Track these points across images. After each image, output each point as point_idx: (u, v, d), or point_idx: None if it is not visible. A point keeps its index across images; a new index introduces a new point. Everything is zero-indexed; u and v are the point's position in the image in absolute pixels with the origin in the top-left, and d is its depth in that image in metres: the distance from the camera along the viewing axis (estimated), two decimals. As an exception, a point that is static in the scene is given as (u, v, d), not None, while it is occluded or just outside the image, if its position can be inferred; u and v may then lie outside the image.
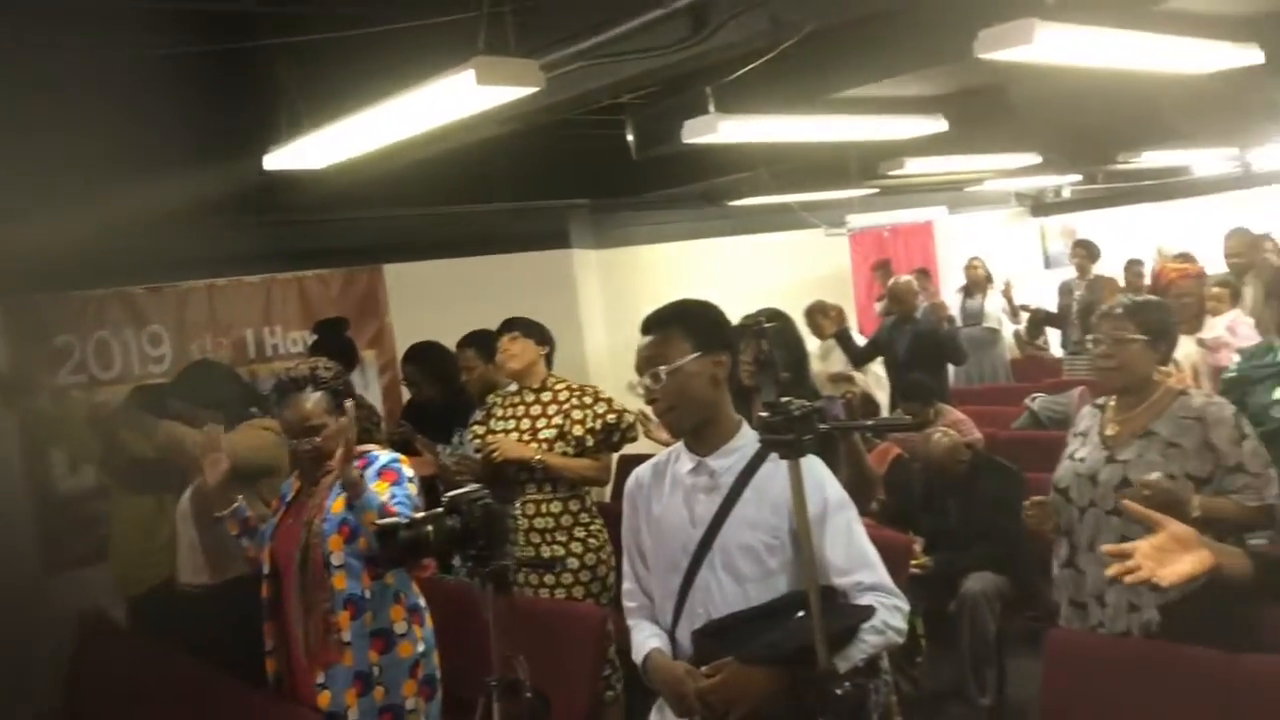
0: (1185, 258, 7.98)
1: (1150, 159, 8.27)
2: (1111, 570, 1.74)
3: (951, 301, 9.22)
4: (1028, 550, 4.20)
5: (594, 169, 6.53)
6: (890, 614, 2.25)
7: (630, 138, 5.29)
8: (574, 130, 5.55)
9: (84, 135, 3.87)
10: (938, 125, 4.81)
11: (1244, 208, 9.10)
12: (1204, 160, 9.54)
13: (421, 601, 3.19)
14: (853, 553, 2.28)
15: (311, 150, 3.75)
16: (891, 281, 7.94)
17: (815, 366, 7.25)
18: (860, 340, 7.62)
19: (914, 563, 4.62)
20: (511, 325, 4.16)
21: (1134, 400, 3.01)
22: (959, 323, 8.86)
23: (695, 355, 2.30)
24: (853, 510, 2.36)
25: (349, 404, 2.98)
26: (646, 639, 2.38)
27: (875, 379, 7.31)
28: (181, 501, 3.92)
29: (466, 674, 2.74)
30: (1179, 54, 3.52)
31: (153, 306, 5.63)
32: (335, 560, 2.96)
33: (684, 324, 2.35)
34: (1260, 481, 2.85)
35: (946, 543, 4.80)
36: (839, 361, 7.32)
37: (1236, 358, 4.08)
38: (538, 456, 3.91)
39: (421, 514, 2.34)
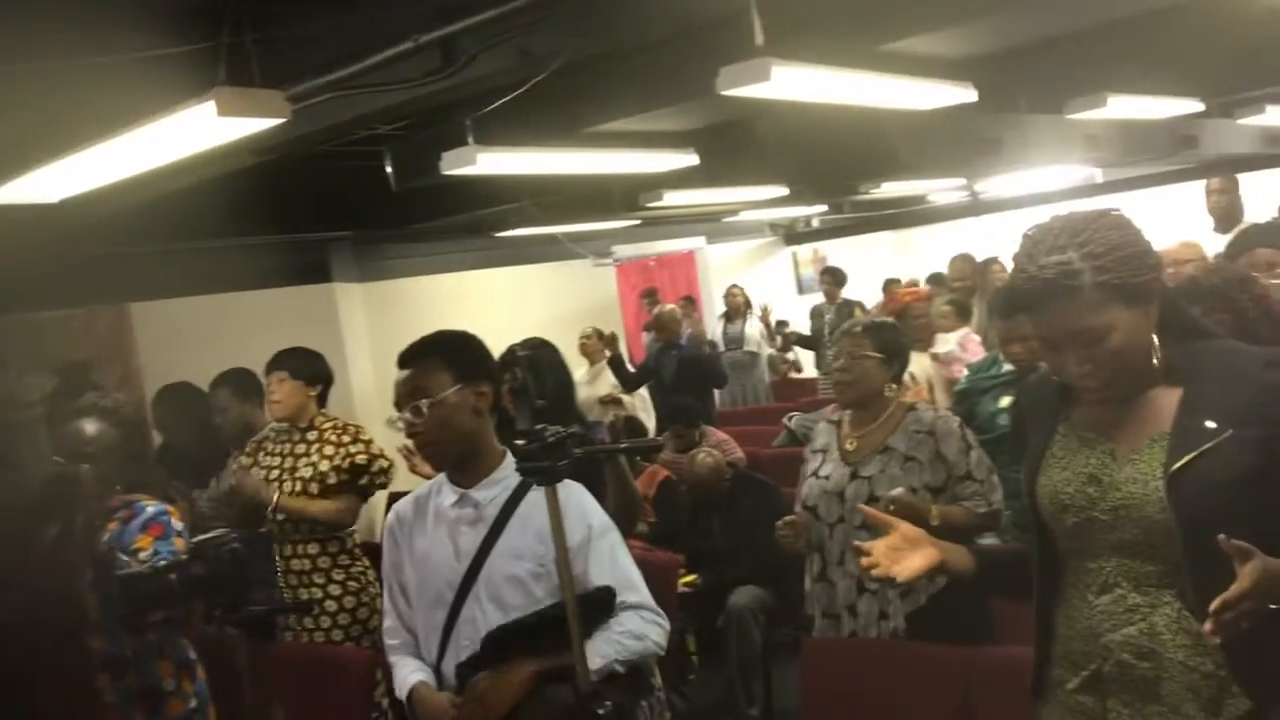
0: (939, 279, 8.62)
1: (889, 189, 8.84)
2: (865, 561, 1.87)
3: (714, 327, 9.56)
4: (788, 562, 4.39)
5: (355, 200, 6.40)
6: (649, 626, 2.31)
7: (389, 169, 5.23)
8: (334, 161, 5.43)
9: None
10: (689, 159, 4.99)
11: (975, 233, 9.85)
12: (938, 190, 10.29)
13: (193, 654, 3.03)
14: (616, 575, 2.33)
15: (44, 183, 3.53)
16: (656, 310, 8.16)
17: (584, 392, 7.40)
18: (630, 366, 7.80)
19: (682, 581, 4.74)
20: (279, 363, 3.95)
21: (868, 416, 3.19)
22: (721, 347, 9.19)
23: (456, 387, 2.29)
24: (616, 534, 2.41)
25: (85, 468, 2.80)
26: (410, 674, 2.35)
27: (642, 402, 7.49)
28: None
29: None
30: (902, 92, 3.80)
31: None
32: (91, 617, 2.78)
33: (443, 355, 2.34)
34: (986, 488, 3.07)
35: (713, 560, 4.95)
36: (607, 385, 7.46)
37: (966, 371, 4.42)
38: (273, 504, 3.74)
39: (164, 562, 2.24)
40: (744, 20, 3.07)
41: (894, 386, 3.19)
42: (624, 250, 9.59)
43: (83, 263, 5.73)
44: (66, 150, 3.21)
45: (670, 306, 8.23)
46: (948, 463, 3.07)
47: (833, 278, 9.22)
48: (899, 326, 3.46)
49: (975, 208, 10.50)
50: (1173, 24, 4.52)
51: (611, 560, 2.34)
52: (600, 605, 2.26)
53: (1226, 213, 5.30)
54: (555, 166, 4.79)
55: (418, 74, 3.07)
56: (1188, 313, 1.83)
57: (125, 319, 6.17)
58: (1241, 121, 7.73)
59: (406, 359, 2.36)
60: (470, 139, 4.20)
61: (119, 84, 2.96)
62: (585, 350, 7.53)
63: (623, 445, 2.96)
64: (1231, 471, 1.64)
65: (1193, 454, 1.65)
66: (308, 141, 3.84)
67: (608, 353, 7.49)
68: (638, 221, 8.37)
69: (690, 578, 4.93)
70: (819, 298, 9.70)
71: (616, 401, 6.96)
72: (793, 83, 3.20)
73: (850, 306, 8.65)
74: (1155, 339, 1.72)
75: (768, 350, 9.59)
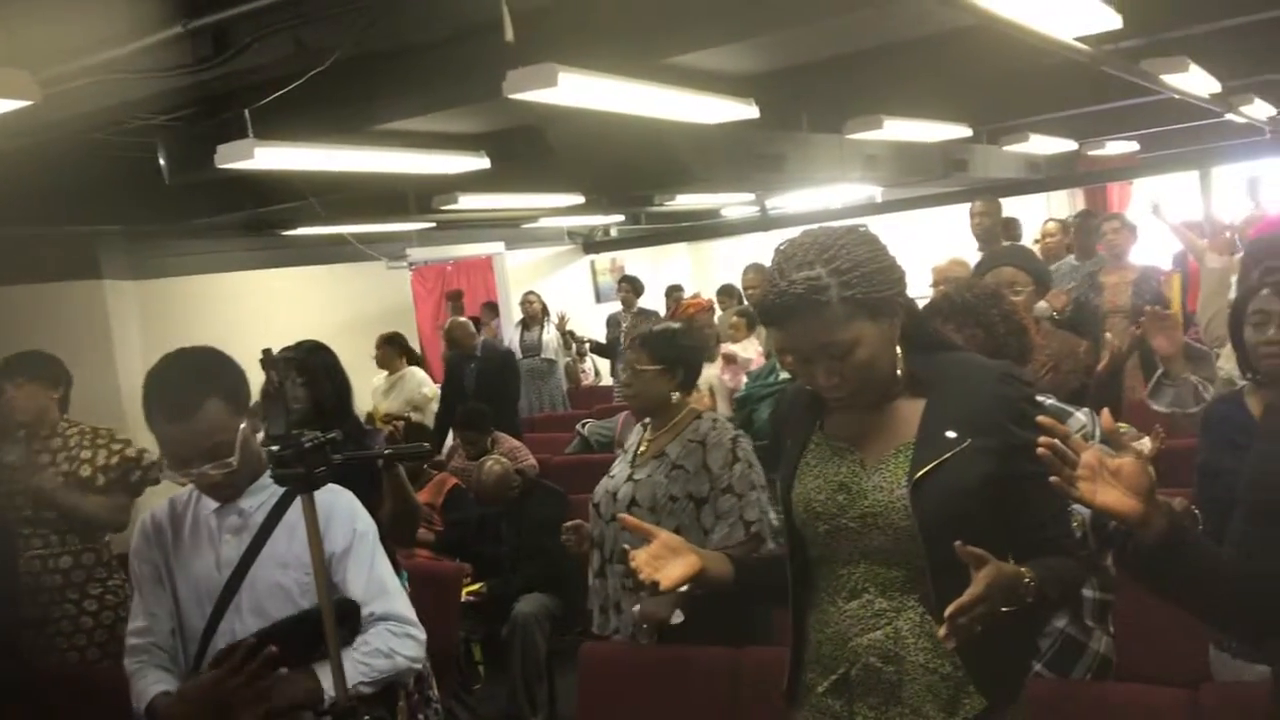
0: (729, 290, 8.80)
1: (683, 201, 9.02)
2: (632, 566, 1.88)
3: (510, 334, 9.52)
4: (574, 569, 4.40)
5: (129, 192, 6.01)
6: (400, 641, 2.24)
7: (162, 161, 4.95)
8: (106, 149, 5.10)
9: None
10: (480, 162, 4.94)
11: (765, 247, 10.15)
12: (730, 204, 10.56)
13: None
14: (371, 584, 2.26)
15: None
16: (448, 323, 8.07)
17: (378, 401, 7.23)
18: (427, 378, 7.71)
19: (468, 590, 4.69)
20: (15, 369, 3.67)
21: (660, 422, 3.23)
22: (518, 354, 9.16)
23: (242, 424, 2.16)
24: (375, 539, 2.34)
25: None
26: (150, 685, 2.22)
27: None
28: None
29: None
30: (687, 106, 3.88)
31: None
32: None
33: (223, 396, 2.14)
34: (744, 503, 3.05)
35: (500, 568, 4.91)
36: (402, 397, 7.33)
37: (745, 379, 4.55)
38: (46, 489, 3.51)
39: None
40: (531, 23, 3.06)
41: (678, 395, 3.20)
42: (419, 253, 9.43)
43: None
44: None
45: (461, 320, 8.15)
46: (711, 474, 3.07)
47: (630, 286, 9.34)
48: (682, 332, 3.42)
49: (765, 222, 10.82)
50: (945, 52, 4.76)
51: (369, 567, 2.27)
52: (344, 624, 2.17)
53: (989, 233, 5.64)
54: (340, 164, 4.64)
55: (187, 60, 2.93)
56: (929, 326, 1.92)
57: None
58: (1007, 148, 8.26)
59: (179, 409, 2.09)
60: (250, 132, 4.02)
61: None
62: (381, 361, 7.36)
63: (386, 450, 2.86)
64: (970, 479, 1.72)
65: (934, 463, 1.73)
66: (68, 127, 3.59)
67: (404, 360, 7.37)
68: (433, 224, 8.24)
69: (476, 586, 4.88)
70: (617, 306, 9.81)
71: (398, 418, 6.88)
72: (580, 90, 3.22)
73: (647, 315, 8.76)
74: (899, 351, 1.80)
75: (564, 358, 9.62)
